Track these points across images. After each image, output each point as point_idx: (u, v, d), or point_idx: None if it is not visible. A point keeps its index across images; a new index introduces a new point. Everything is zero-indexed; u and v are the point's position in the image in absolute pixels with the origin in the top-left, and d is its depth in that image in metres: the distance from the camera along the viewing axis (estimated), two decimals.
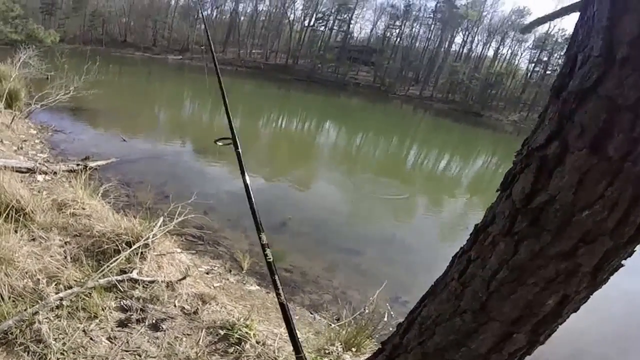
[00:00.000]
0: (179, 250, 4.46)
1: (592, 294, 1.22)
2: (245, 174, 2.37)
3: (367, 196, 10.35)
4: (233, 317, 3.33)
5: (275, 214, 7.49)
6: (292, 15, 61.73)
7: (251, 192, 2.28)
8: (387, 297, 4.66)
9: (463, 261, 1.41)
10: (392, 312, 3.92)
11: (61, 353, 2.57)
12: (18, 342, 2.54)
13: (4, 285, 2.86)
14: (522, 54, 55.81)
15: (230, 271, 5.20)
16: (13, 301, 2.83)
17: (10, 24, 24.50)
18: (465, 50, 58.74)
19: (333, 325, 4.02)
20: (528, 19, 51.45)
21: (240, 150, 2.45)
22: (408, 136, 25.67)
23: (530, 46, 53.54)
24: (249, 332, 3.10)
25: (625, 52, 0.92)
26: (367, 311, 3.92)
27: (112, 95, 17.62)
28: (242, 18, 60.77)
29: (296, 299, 4.88)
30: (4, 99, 9.76)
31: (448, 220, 9.94)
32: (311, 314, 4.72)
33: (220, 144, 2.47)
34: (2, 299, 2.78)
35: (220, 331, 3.10)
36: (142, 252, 3.76)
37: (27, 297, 2.87)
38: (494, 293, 1.26)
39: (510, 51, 56.58)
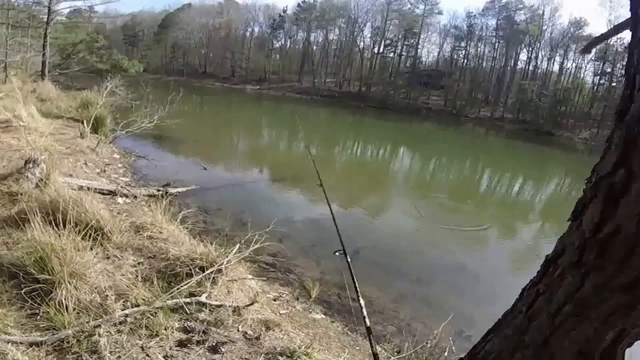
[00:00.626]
0: (250, 276, 4.52)
1: None
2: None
3: (440, 226, 9.99)
4: (294, 344, 3.30)
5: (348, 241, 7.40)
6: (361, 44, 62.84)
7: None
8: (452, 331, 4.46)
9: (532, 294, 1.35)
10: (453, 348, 3.77)
11: None
12: (72, 351, 2.63)
13: (71, 297, 2.99)
14: (586, 67, 53.85)
15: (298, 299, 5.20)
16: (77, 313, 2.94)
17: (95, 53, 26.56)
18: (531, 67, 57.32)
19: (393, 358, 3.90)
20: (586, 30, 50.70)
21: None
22: (480, 161, 24.86)
23: (593, 58, 51.30)
24: None
25: None
26: (429, 345, 3.81)
27: (194, 124, 18.50)
28: (314, 47, 62.30)
29: (360, 329, 4.75)
30: (90, 124, 10.49)
31: (521, 250, 9.32)
32: None
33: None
34: (67, 309, 2.90)
35: (280, 357, 3.08)
36: (214, 277, 3.85)
37: (92, 311, 2.99)
38: (558, 328, 1.20)
39: (574, 64, 54.90)
